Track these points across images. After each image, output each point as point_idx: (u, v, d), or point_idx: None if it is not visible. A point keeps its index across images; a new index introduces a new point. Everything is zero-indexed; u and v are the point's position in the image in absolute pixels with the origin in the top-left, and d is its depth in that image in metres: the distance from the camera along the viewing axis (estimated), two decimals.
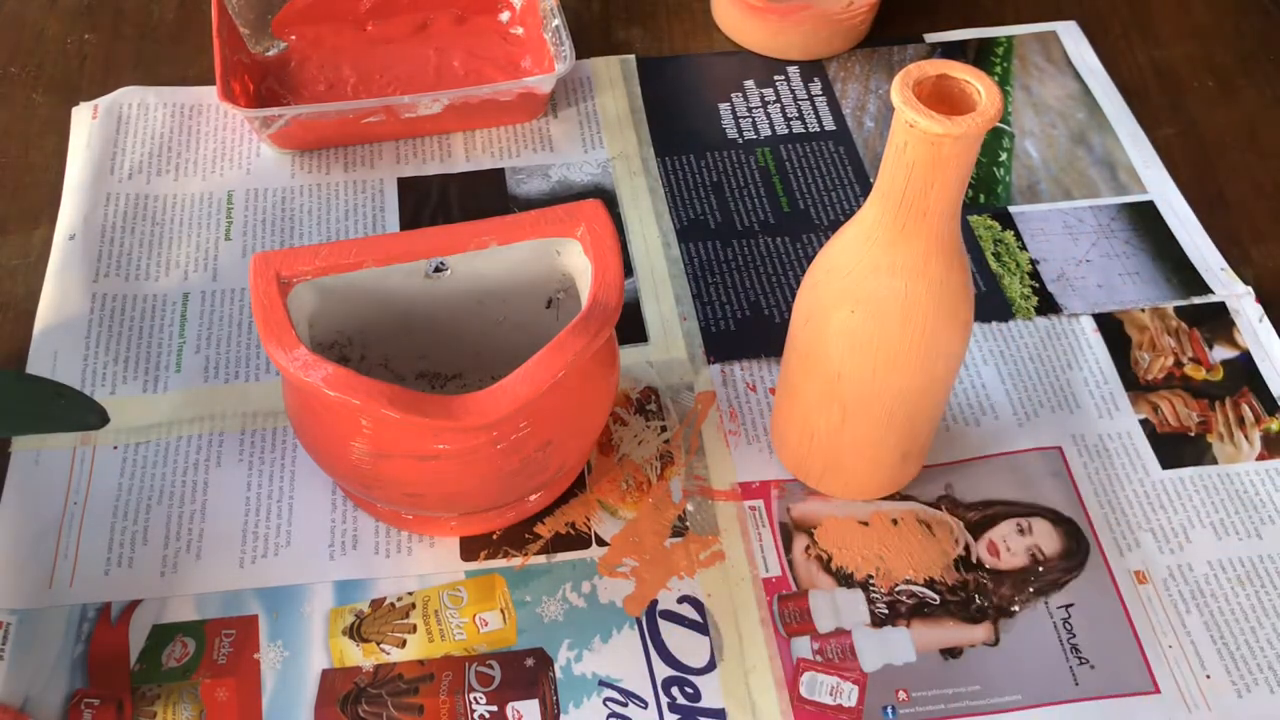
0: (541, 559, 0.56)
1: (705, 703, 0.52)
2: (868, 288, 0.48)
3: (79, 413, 0.50)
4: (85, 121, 0.73)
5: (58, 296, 0.65)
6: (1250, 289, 0.67)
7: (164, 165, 0.72)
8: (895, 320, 0.48)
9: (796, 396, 0.55)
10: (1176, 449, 0.61)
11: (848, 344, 0.50)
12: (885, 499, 0.59)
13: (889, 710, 0.52)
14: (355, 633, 0.54)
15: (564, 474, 0.56)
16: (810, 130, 0.76)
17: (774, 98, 0.77)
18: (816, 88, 0.78)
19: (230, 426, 0.60)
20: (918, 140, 0.43)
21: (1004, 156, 0.74)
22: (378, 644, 0.54)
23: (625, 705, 0.52)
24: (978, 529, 0.58)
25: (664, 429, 0.61)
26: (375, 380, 0.47)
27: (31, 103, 0.75)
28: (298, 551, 0.56)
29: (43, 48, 0.78)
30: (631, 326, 0.65)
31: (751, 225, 0.70)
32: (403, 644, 0.54)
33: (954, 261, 0.48)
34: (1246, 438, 0.62)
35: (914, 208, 0.45)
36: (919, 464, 0.58)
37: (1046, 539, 0.58)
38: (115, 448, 0.59)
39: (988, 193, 0.72)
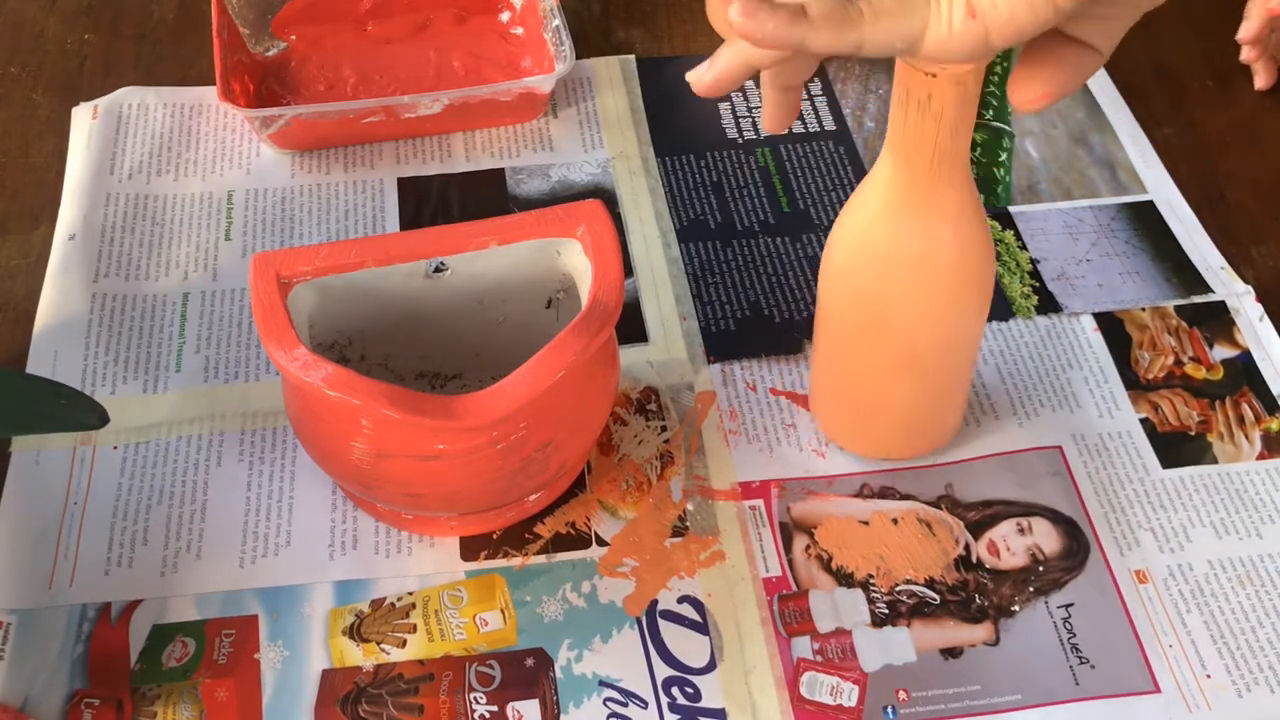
0: (541, 559, 0.56)
1: (705, 703, 0.52)
2: (914, 250, 0.49)
3: (79, 413, 0.50)
4: (85, 122, 0.73)
5: (58, 296, 0.65)
6: (1250, 288, 0.67)
7: (164, 165, 0.72)
8: (907, 264, 0.50)
9: (832, 362, 0.57)
10: (1177, 448, 0.61)
11: (873, 295, 0.51)
12: (884, 498, 0.59)
13: (889, 710, 0.52)
14: (355, 633, 0.54)
15: (564, 474, 0.56)
16: (810, 130, 0.76)
17: None
18: (816, 88, 0.78)
19: (230, 426, 0.60)
20: (943, 86, 0.43)
21: (1004, 156, 0.74)
22: (378, 644, 0.54)
23: (625, 705, 0.52)
24: (978, 529, 0.58)
25: (664, 429, 0.61)
26: (375, 380, 0.47)
27: (31, 103, 0.75)
28: (298, 551, 0.56)
29: (43, 48, 0.78)
30: (631, 326, 0.65)
31: (751, 225, 0.70)
32: (403, 644, 0.54)
33: (965, 204, 0.49)
34: (1247, 437, 0.62)
35: (947, 157, 0.46)
36: (956, 427, 0.60)
37: (1046, 538, 0.58)
38: (115, 448, 0.59)
39: (988, 193, 0.72)
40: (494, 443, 0.50)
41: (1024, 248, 0.69)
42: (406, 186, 0.72)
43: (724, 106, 0.77)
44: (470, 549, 0.57)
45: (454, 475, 0.51)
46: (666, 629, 0.54)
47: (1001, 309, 0.66)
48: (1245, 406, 0.63)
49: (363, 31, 0.78)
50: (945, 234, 0.49)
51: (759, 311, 0.66)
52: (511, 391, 0.48)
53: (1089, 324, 0.66)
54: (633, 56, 0.79)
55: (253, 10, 0.75)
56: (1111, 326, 0.66)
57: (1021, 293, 0.67)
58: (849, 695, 0.53)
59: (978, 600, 0.56)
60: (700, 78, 0.43)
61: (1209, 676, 0.54)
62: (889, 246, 0.49)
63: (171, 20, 0.81)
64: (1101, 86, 0.78)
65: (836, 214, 0.71)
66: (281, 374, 0.53)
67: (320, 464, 0.54)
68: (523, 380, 0.48)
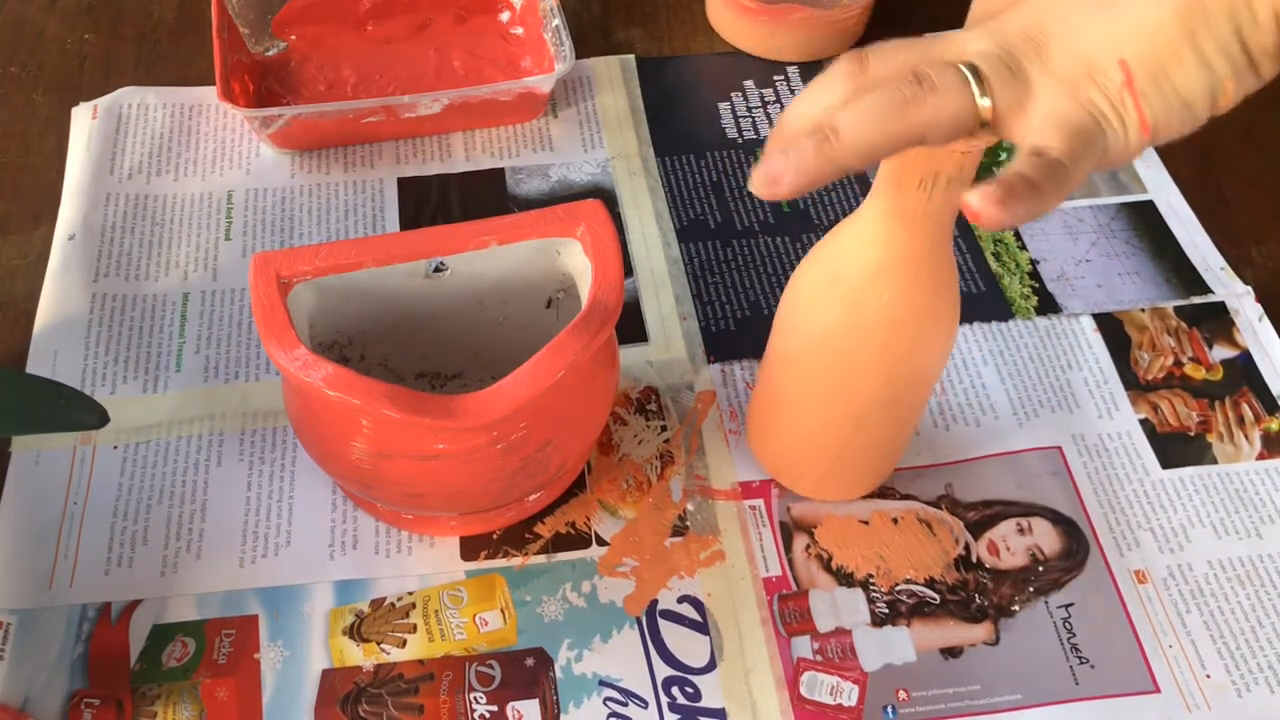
0: (541, 559, 0.56)
1: (705, 702, 0.52)
2: (865, 295, 0.47)
3: (79, 413, 0.50)
4: (85, 121, 0.73)
5: (58, 296, 0.65)
6: (1249, 288, 0.67)
7: (164, 165, 0.72)
8: (885, 325, 0.48)
9: (779, 395, 0.55)
10: (1176, 449, 0.61)
11: (838, 345, 0.49)
12: (884, 498, 0.59)
13: (889, 710, 0.52)
14: (355, 632, 0.54)
15: (564, 474, 0.56)
16: None
17: (774, 98, 0.77)
18: None
19: (230, 426, 0.60)
20: (972, 159, 0.42)
21: (1004, 157, 0.74)
22: (378, 644, 0.54)
23: (625, 705, 0.52)
24: (978, 529, 0.58)
25: (664, 428, 0.61)
26: (375, 380, 0.47)
27: (31, 103, 0.75)
28: (298, 551, 0.56)
29: (43, 48, 0.78)
30: (631, 326, 0.65)
31: (751, 225, 0.70)
32: (403, 644, 0.54)
33: (950, 267, 0.47)
34: (1246, 437, 0.62)
35: (937, 222, 0.44)
36: (891, 467, 0.59)
37: (1046, 539, 0.58)
38: (115, 447, 0.59)
39: None
40: (494, 443, 0.50)
41: (1024, 248, 0.69)
42: (406, 186, 0.72)
43: (724, 106, 0.77)
44: (470, 549, 0.57)
45: (454, 475, 0.51)
46: (666, 629, 0.54)
47: (1001, 310, 0.67)
48: (1245, 407, 0.63)
49: (363, 31, 0.78)
50: (924, 296, 0.47)
51: (759, 311, 0.66)
52: (511, 391, 0.48)
53: (1088, 325, 0.66)
54: (632, 56, 0.79)
55: (253, 10, 0.75)
56: (1111, 327, 0.66)
57: (1021, 293, 0.67)
58: (849, 695, 0.53)
59: (978, 600, 0.56)
60: (776, 184, 0.37)
61: (1209, 676, 0.54)
62: (842, 283, 0.48)
63: (171, 20, 0.80)
64: None
65: (836, 214, 0.71)
66: (281, 374, 0.53)
67: (320, 464, 0.54)
68: (523, 380, 0.48)
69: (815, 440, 0.55)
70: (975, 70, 0.37)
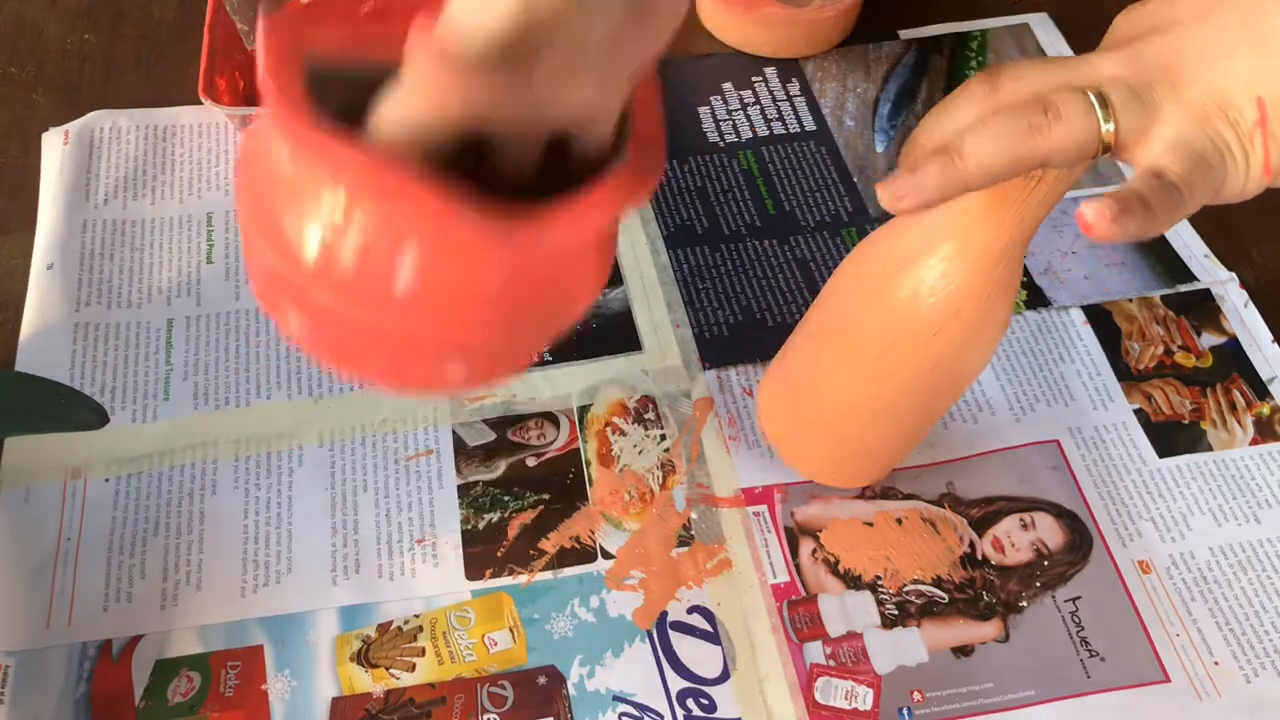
0: (548, 575, 0.56)
1: (721, 713, 0.52)
2: (936, 279, 0.46)
3: (79, 412, 0.49)
4: (57, 147, 0.71)
5: (39, 328, 0.63)
6: (1234, 275, 0.68)
7: (140, 189, 0.70)
8: (950, 312, 0.47)
9: (811, 369, 0.54)
10: (1171, 437, 0.62)
11: (893, 325, 0.48)
12: (886, 498, 0.59)
13: (904, 711, 0.52)
14: (363, 658, 0.53)
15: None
16: (791, 131, 0.75)
17: (753, 99, 0.77)
18: (795, 88, 0.78)
19: (223, 454, 0.59)
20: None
21: None
22: (387, 669, 0.53)
23: (641, 719, 0.52)
24: (981, 525, 0.58)
25: (663, 438, 0.61)
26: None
27: (31, 103, 0.74)
28: (299, 578, 0.56)
29: (43, 48, 0.77)
30: (625, 335, 0.65)
31: (739, 229, 0.70)
32: (412, 668, 0.53)
33: (1019, 268, 0.47)
34: (1239, 423, 0.62)
35: (1031, 215, 0.44)
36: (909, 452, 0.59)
37: (1049, 532, 0.58)
38: (107, 480, 0.58)
39: None
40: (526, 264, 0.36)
41: None
42: None
43: (704, 110, 0.76)
44: (475, 567, 0.56)
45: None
46: (678, 640, 0.54)
47: None
48: (1236, 393, 0.63)
49: None
50: (993, 289, 0.46)
51: (751, 315, 0.66)
52: (578, 210, 0.34)
53: (1078, 317, 0.66)
54: None
55: (252, 9, 0.73)
56: (1100, 318, 0.66)
57: None
58: (864, 699, 0.53)
59: (985, 597, 0.56)
60: (899, 200, 0.39)
61: (1216, 664, 0.54)
62: (919, 266, 0.46)
63: (171, 20, 0.79)
64: None
65: (822, 215, 0.71)
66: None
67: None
68: (582, 205, 0.35)
69: (841, 418, 0.54)
70: (1102, 96, 0.38)
